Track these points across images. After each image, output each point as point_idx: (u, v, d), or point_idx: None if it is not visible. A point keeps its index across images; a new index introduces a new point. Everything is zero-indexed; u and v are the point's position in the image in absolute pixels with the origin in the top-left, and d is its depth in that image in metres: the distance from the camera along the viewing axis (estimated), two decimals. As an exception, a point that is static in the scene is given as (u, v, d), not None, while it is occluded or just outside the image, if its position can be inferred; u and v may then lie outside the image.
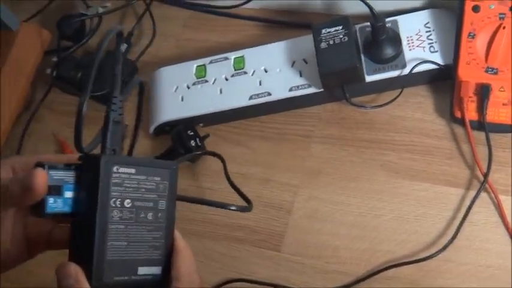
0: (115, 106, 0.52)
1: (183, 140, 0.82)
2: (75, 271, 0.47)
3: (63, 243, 0.51)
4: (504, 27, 0.72)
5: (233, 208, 0.65)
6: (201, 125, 0.85)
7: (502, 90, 0.72)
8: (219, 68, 0.85)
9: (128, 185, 0.49)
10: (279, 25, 0.91)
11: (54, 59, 0.91)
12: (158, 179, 0.51)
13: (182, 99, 0.85)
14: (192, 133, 0.83)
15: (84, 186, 0.48)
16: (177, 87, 0.86)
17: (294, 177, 0.80)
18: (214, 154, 0.80)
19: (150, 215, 0.50)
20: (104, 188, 0.47)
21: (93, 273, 0.47)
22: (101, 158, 0.47)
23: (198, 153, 0.82)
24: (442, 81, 0.78)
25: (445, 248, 0.71)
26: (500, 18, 0.72)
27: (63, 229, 0.53)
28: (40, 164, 0.47)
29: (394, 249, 0.73)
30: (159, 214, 0.51)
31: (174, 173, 0.52)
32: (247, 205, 0.67)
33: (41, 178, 0.47)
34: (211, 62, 0.86)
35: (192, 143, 0.82)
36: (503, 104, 0.72)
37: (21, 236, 0.53)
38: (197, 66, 0.87)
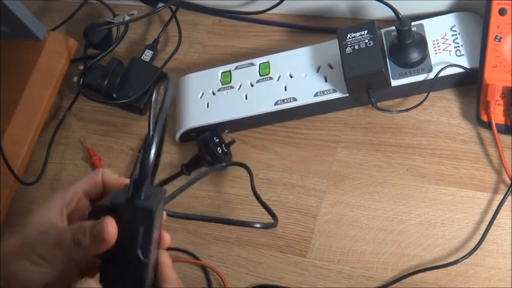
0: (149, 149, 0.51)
1: (209, 148, 0.82)
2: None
3: None
4: (531, 30, 0.71)
5: (258, 226, 0.65)
6: (227, 131, 0.85)
7: (529, 93, 0.72)
8: (244, 74, 0.86)
9: None
10: (304, 30, 0.91)
11: (81, 67, 0.92)
12: None
13: (208, 106, 0.86)
14: (218, 140, 0.83)
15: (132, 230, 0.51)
16: (203, 94, 0.87)
17: (320, 183, 0.80)
18: (240, 165, 0.81)
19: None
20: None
21: None
22: (153, 207, 0.51)
23: (223, 164, 0.82)
24: (469, 85, 0.78)
25: (472, 252, 0.71)
26: (526, 21, 0.72)
27: None
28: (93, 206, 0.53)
29: (421, 253, 0.73)
30: None
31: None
32: (273, 221, 0.67)
33: (113, 228, 0.50)
34: (236, 68, 0.87)
35: (219, 150, 0.82)
36: (530, 107, 0.72)
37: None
38: (222, 72, 0.87)
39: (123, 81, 0.91)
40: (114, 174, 0.60)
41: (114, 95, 0.91)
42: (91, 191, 0.58)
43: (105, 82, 0.90)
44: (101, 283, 0.51)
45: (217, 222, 0.64)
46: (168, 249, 0.81)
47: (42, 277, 0.54)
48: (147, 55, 0.94)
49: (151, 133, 0.52)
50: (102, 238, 0.50)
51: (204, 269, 0.80)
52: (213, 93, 0.86)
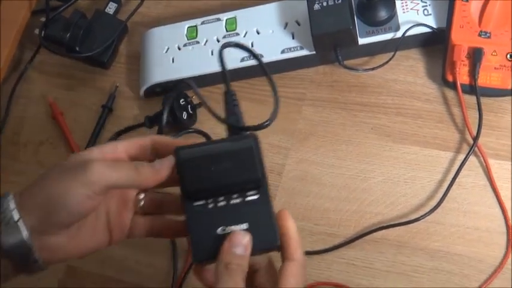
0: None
1: (174, 112, 0.80)
2: (249, 239, 0.51)
3: (144, 233, 0.58)
4: (498, -9, 0.72)
5: None
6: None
7: (495, 54, 0.72)
8: (210, 29, 0.85)
9: None
10: (271, -14, 0.90)
11: (43, 19, 0.90)
12: None
13: (173, 61, 0.85)
14: (184, 102, 0.82)
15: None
16: (168, 48, 0.86)
17: (285, 140, 0.80)
18: (200, 132, 0.81)
19: None
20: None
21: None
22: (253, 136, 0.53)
23: (180, 134, 0.83)
24: (435, 44, 0.78)
25: (433, 210, 0.72)
26: (494, -19, 0.72)
27: (146, 220, 0.58)
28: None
29: (383, 211, 0.74)
30: None
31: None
32: None
33: (171, 162, 0.53)
34: (203, 23, 0.86)
35: (184, 115, 0.81)
36: (495, 68, 0.73)
37: (106, 222, 0.57)
38: (188, 27, 0.86)
39: (86, 34, 0.89)
40: (166, 137, 0.59)
41: (77, 48, 0.89)
42: (136, 155, 0.56)
43: (68, 35, 0.88)
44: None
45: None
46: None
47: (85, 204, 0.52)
48: (111, 8, 0.92)
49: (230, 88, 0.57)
50: (164, 167, 0.53)
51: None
52: (179, 48, 0.85)
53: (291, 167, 0.79)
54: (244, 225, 0.51)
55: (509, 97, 0.74)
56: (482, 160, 0.73)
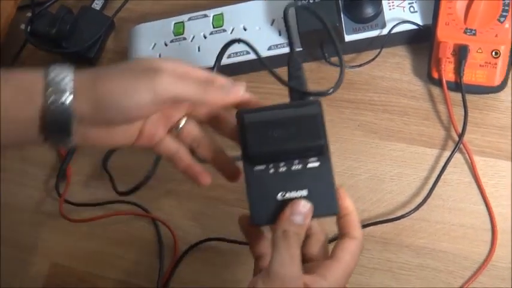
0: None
1: None
2: (309, 208, 0.51)
3: (166, 155, 0.59)
4: (484, -12, 0.72)
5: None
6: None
7: (480, 51, 0.72)
8: (197, 25, 0.84)
9: None
10: (258, -17, 0.90)
11: (29, 14, 0.89)
12: None
13: (160, 57, 0.84)
14: None
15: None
16: (155, 45, 0.85)
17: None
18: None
19: None
20: None
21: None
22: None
23: None
24: (421, 42, 0.78)
25: (419, 207, 0.72)
26: (480, -21, 0.72)
27: (174, 144, 0.59)
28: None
29: (369, 208, 0.74)
30: None
31: None
32: None
33: (243, 93, 0.54)
34: (190, 19, 0.85)
35: None
36: (480, 66, 0.73)
37: (141, 126, 0.56)
38: (175, 23, 0.86)
39: (73, 30, 0.89)
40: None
41: (64, 44, 0.88)
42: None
43: (54, 30, 0.88)
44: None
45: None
46: (117, 202, 0.81)
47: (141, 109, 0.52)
48: (98, 3, 0.92)
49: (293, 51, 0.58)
50: (232, 92, 0.53)
51: (154, 222, 0.80)
52: (166, 45, 0.85)
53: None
54: (304, 192, 0.52)
55: (495, 94, 0.74)
56: (468, 157, 0.73)
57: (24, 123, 0.51)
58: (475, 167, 0.72)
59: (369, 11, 0.77)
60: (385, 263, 0.72)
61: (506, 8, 0.71)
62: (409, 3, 0.77)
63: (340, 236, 0.54)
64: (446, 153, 0.74)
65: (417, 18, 0.77)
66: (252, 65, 0.82)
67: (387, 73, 0.80)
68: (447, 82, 0.74)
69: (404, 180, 0.74)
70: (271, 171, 0.52)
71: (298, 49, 0.79)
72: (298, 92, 0.55)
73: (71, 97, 0.50)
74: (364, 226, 0.73)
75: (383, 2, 0.78)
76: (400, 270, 0.71)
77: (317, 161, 0.52)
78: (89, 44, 0.89)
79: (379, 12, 0.78)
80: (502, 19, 0.71)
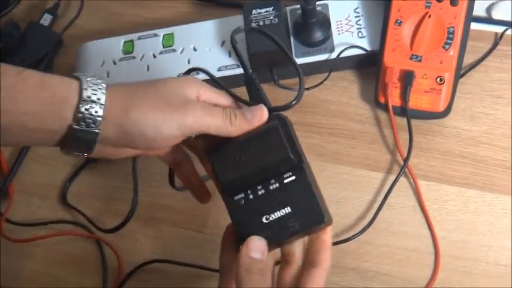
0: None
1: None
2: (263, 245, 0.51)
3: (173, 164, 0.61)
4: (430, 16, 0.73)
5: None
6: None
7: (425, 77, 0.74)
8: (147, 45, 0.84)
9: None
10: (210, 3, 0.90)
11: (-25, 28, 0.88)
12: None
13: (108, 75, 0.83)
14: None
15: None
16: (104, 62, 0.84)
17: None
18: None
19: None
20: None
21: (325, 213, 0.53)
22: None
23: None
24: (369, 67, 0.79)
25: (364, 230, 0.72)
26: (426, 7, 0.74)
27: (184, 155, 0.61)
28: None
29: (315, 230, 0.74)
30: None
31: None
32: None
33: (266, 112, 0.55)
34: (139, 38, 0.85)
35: None
36: (425, 91, 0.74)
37: None
38: (125, 41, 0.85)
39: (20, 46, 0.88)
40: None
41: (10, 59, 0.86)
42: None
43: (0, 45, 0.86)
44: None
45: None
46: (60, 222, 0.80)
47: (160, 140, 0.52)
48: (46, 19, 0.90)
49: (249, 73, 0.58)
50: (255, 118, 0.54)
51: (99, 243, 0.78)
52: (114, 63, 0.84)
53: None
54: (287, 209, 0.52)
55: (439, 120, 0.76)
56: (412, 181, 0.74)
57: (46, 134, 0.51)
58: (419, 191, 0.73)
59: (318, 35, 0.78)
60: (330, 285, 0.72)
61: (451, 35, 0.73)
62: (358, 29, 0.79)
63: (311, 263, 0.53)
64: (392, 177, 0.75)
65: (365, 44, 0.78)
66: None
67: (335, 97, 0.80)
68: (393, 107, 0.75)
69: (349, 203, 0.75)
70: (251, 196, 0.52)
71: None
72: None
73: (100, 119, 0.50)
74: (309, 249, 0.73)
75: (332, 26, 0.79)
76: (345, 292, 0.72)
77: (292, 174, 0.52)
78: (36, 60, 0.87)
79: (328, 36, 0.78)
80: (446, 46, 0.73)
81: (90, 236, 0.79)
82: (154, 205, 0.79)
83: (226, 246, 0.56)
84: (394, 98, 0.75)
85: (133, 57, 0.84)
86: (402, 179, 0.74)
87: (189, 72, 0.63)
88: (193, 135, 0.57)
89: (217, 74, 0.80)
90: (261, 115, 0.55)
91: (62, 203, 0.81)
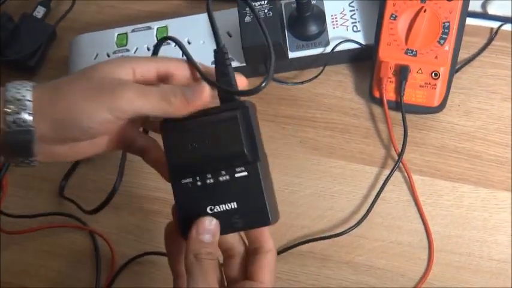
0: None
1: None
2: (216, 224, 0.49)
3: (139, 152, 0.57)
4: (425, 11, 0.73)
5: None
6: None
7: (420, 72, 0.74)
8: (141, 37, 0.83)
9: None
10: (204, -4, 0.90)
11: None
12: None
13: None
14: None
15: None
16: (97, 55, 0.84)
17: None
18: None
19: None
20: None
21: (271, 214, 0.50)
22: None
23: None
24: (363, 61, 0.79)
25: (358, 224, 0.73)
26: (422, 1, 0.73)
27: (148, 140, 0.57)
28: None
29: (309, 224, 0.74)
30: None
31: None
32: None
33: (208, 91, 0.50)
34: (133, 31, 0.84)
35: None
36: (420, 86, 0.74)
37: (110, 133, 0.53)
38: (118, 34, 0.84)
39: (13, 38, 0.87)
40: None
41: (3, 52, 0.86)
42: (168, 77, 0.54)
43: (-10, 38, 0.85)
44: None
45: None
46: (54, 214, 0.79)
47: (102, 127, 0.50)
48: (39, 12, 0.89)
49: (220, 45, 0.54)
50: (196, 98, 0.50)
51: (92, 235, 0.78)
52: (108, 55, 0.83)
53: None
54: (234, 204, 0.50)
55: (434, 114, 0.76)
56: (407, 176, 0.74)
57: None
58: (414, 185, 0.73)
59: (313, 28, 0.78)
60: (324, 279, 0.72)
61: (446, 30, 0.73)
62: (353, 23, 0.79)
63: (253, 251, 0.52)
64: (386, 172, 0.75)
65: (360, 38, 0.78)
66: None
67: (330, 91, 0.80)
68: (388, 101, 0.75)
69: (344, 197, 0.75)
70: (199, 183, 0.50)
71: (242, 65, 0.79)
72: (227, 93, 0.52)
73: (31, 117, 0.49)
74: (303, 242, 0.73)
75: (327, 20, 0.79)
76: (338, 286, 0.71)
77: (245, 170, 0.50)
78: (30, 52, 0.86)
79: (323, 30, 0.78)
80: (442, 41, 0.73)
81: (84, 228, 0.78)
82: (148, 198, 0.79)
83: (172, 248, 0.54)
84: (389, 93, 0.75)
85: (127, 50, 0.83)
86: (396, 174, 0.74)
87: (161, 41, 0.60)
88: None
89: (211, 67, 0.79)
90: (200, 95, 0.50)
91: (56, 196, 0.81)
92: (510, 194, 0.72)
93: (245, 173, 0.50)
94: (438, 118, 0.76)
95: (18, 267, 0.78)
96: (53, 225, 0.79)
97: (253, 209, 0.50)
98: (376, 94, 0.76)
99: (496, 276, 0.69)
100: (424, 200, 0.73)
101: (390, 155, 0.76)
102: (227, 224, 0.50)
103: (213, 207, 0.50)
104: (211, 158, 0.49)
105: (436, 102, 0.75)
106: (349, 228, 0.72)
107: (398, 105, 0.75)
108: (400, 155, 0.74)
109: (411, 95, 0.75)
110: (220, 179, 0.50)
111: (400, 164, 0.74)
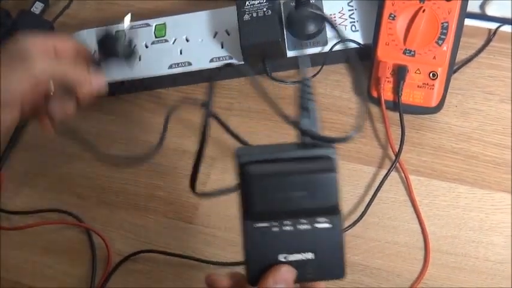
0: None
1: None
2: (292, 277, 0.46)
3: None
4: (424, 11, 0.73)
5: None
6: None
7: (418, 72, 0.74)
8: (139, 35, 0.83)
9: None
10: (204, -6, 0.90)
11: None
12: None
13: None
14: None
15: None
16: (95, 52, 0.83)
17: (211, 149, 0.79)
18: None
19: None
20: None
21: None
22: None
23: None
24: (362, 60, 0.79)
25: (354, 224, 0.73)
26: (420, 1, 0.73)
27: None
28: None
29: (305, 224, 0.74)
30: None
31: None
32: None
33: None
34: (131, 28, 0.84)
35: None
36: (418, 87, 0.74)
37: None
38: (116, 31, 0.84)
39: (11, 34, 0.87)
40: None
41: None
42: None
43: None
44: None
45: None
46: (50, 210, 0.79)
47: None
48: (37, 8, 0.90)
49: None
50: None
51: (88, 232, 0.78)
52: (106, 53, 0.83)
53: (216, 177, 0.78)
54: (310, 255, 0.46)
55: (431, 115, 0.76)
56: (403, 176, 0.74)
57: None
58: (410, 185, 0.74)
59: (312, 28, 0.78)
60: (320, 279, 0.72)
61: (445, 31, 0.73)
62: (351, 22, 0.78)
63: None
64: (383, 172, 0.75)
65: (358, 37, 0.78)
66: (193, 77, 0.81)
67: (328, 90, 0.80)
68: (386, 101, 0.75)
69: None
70: (275, 229, 0.46)
71: (240, 63, 0.79)
72: (312, 138, 0.49)
73: None
74: (300, 242, 0.73)
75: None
76: (333, 286, 0.71)
77: (327, 221, 0.46)
78: (27, 48, 0.86)
79: (321, 29, 0.78)
80: (440, 42, 0.73)
81: (80, 225, 0.78)
82: (145, 195, 0.79)
83: None
84: (386, 93, 0.75)
85: (126, 47, 0.83)
86: (393, 174, 0.74)
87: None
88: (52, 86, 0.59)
89: (209, 65, 0.80)
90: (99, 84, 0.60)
91: (52, 192, 0.81)
92: (507, 196, 0.72)
93: (327, 225, 0.47)
94: (435, 118, 0.76)
95: (13, 263, 0.78)
96: (49, 222, 0.79)
97: (330, 262, 0.47)
98: (374, 94, 0.76)
99: (491, 276, 0.69)
100: (420, 200, 0.73)
101: (387, 155, 0.76)
102: (299, 273, 0.47)
103: (287, 255, 0.47)
104: (301, 207, 0.46)
105: (433, 103, 0.75)
106: (345, 228, 0.72)
107: (396, 105, 0.75)
108: (397, 155, 0.74)
109: (409, 95, 0.75)
110: (300, 227, 0.46)
111: (397, 164, 0.74)
